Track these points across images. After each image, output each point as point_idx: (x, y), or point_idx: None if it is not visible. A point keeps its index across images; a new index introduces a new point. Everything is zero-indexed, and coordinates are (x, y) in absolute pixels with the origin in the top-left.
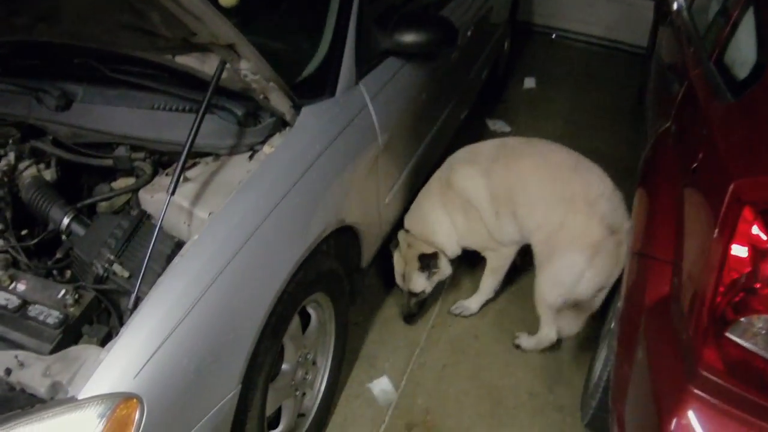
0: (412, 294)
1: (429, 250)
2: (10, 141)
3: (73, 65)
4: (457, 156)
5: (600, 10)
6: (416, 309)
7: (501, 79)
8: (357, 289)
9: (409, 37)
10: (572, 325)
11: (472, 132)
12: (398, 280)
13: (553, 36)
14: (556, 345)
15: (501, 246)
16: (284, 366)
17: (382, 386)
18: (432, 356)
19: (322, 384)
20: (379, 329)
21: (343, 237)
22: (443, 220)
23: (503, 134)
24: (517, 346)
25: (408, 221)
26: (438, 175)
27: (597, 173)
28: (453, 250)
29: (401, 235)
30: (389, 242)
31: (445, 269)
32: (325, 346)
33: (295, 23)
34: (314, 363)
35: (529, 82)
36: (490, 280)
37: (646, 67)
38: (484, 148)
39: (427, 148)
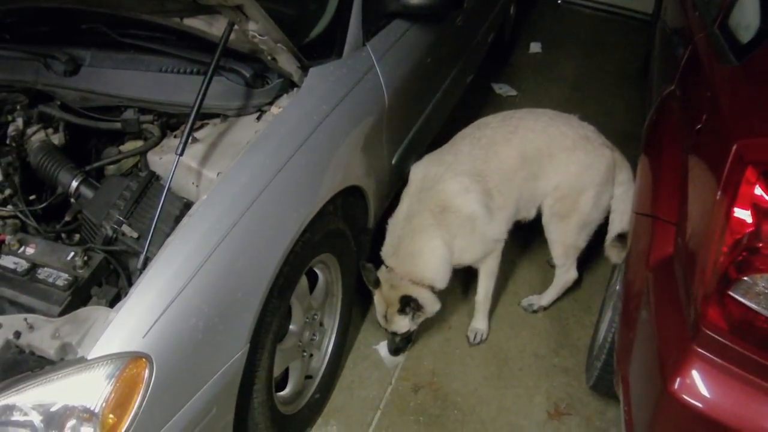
0: (395, 334)
1: (414, 290)
2: (18, 106)
3: (81, 30)
4: (430, 173)
5: None
6: (403, 344)
7: (507, 44)
8: (364, 250)
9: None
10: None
11: (479, 96)
12: (380, 320)
13: (559, 1)
14: (561, 308)
15: (498, 243)
16: (292, 326)
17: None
18: (438, 318)
19: (329, 345)
20: None
21: (350, 197)
22: (440, 250)
23: (509, 98)
24: (534, 311)
25: (391, 259)
26: (419, 207)
27: (574, 118)
28: (445, 280)
29: (383, 274)
30: (397, 199)
31: (432, 306)
32: (333, 306)
33: None
34: (321, 324)
35: (535, 47)
36: (489, 286)
37: (651, 34)
38: (447, 152)
39: (433, 110)
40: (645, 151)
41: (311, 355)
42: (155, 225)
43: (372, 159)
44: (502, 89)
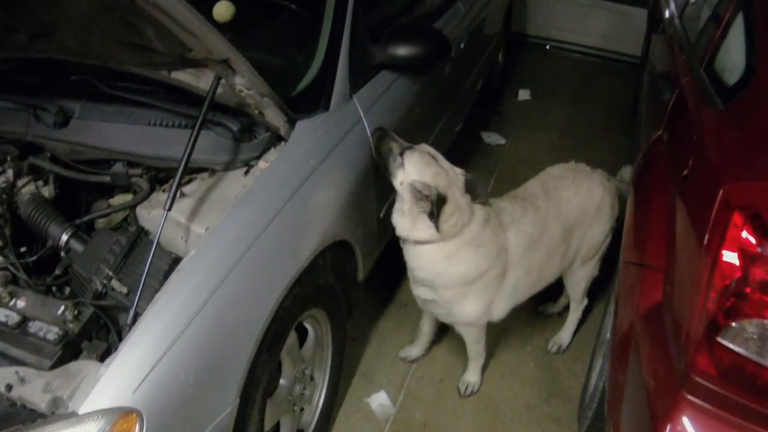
0: None
1: None
2: (9, 158)
3: (71, 82)
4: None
5: (594, 20)
6: None
7: (495, 91)
8: (354, 304)
9: (402, 50)
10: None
11: (467, 145)
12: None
13: (548, 47)
14: (552, 357)
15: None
16: (282, 381)
17: (380, 401)
18: (429, 370)
19: (320, 399)
20: (376, 343)
21: (339, 251)
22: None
23: (498, 146)
24: (563, 351)
25: None
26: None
27: (584, 166)
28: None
29: None
30: (385, 254)
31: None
32: (323, 361)
33: (289, 37)
34: (312, 378)
35: (524, 94)
36: (480, 348)
37: (640, 77)
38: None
39: None
40: (633, 197)
41: (302, 409)
42: (144, 280)
43: (360, 212)
44: (491, 138)
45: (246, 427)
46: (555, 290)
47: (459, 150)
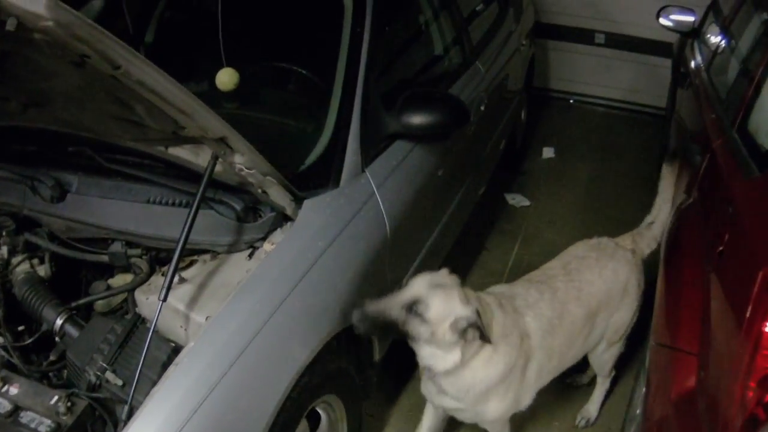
0: None
1: None
2: (4, 233)
3: (67, 153)
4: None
5: (617, 73)
6: None
7: (519, 150)
8: (370, 384)
9: (417, 119)
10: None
11: (490, 208)
12: None
13: (571, 101)
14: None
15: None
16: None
17: None
18: None
19: None
20: (396, 420)
21: (352, 333)
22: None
23: (523, 208)
24: (591, 424)
25: None
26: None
27: (607, 242)
28: None
29: None
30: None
31: None
32: None
33: (297, 105)
34: None
35: (548, 152)
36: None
37: (665, 131)
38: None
39: (442, 230)
40: (664, 271)
41: None
42: (141, 372)
43: (375, 292)
44: (515, 200)
45: None
46: (583, 359)
47: (482, 213)
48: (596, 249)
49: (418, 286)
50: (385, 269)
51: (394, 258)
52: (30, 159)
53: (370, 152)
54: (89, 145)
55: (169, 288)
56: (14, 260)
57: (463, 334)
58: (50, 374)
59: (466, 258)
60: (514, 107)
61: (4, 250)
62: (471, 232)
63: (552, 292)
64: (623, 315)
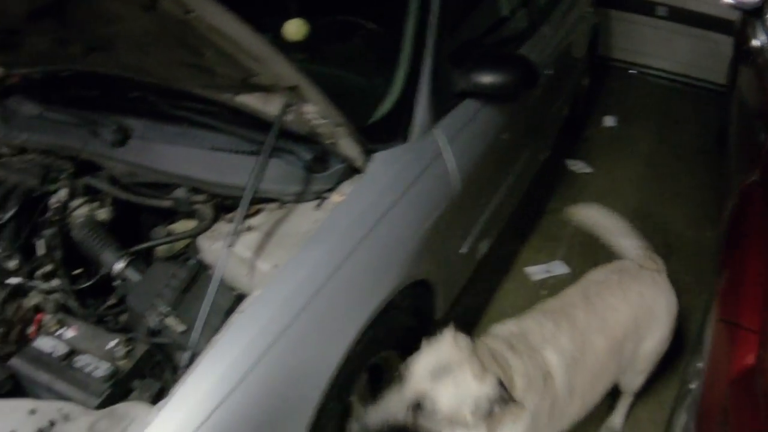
0: None
1: None
2: (64, 176)
3: (130, 98)
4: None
5: (678, 46)
6: None
7: (580, 117)
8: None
9: (487, 78)
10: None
11: (552, 173)
12: None
13: (632, 71)
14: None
15: None
16: (352, 424)
17: None
18: None
19: None
20: None
21: (417, 290)
22: None
23: (583, 175)
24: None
25: None
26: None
27: (637, 267)
28: None
29: None
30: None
31: None
32: None
33: (365, 59)
34: None
35: (609, 121)
36: None
37: (726, 108)
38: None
39: (506, 193)
40: (726, 249)
41: None
42: (203, 319)
43: (441, 249)
44: (576, 166)
45: None
46: None
47: (543, 178)
48: (618, 271)
49: (418, 377)
50: (452, 227)
51: (460, 217)
52: (91, 103)
53: (439, 109)
54: (152, 91)
55: (236, 235)
56: (73, 203)
57: (487, 414)
58: (107, 318)
59: (526, 221)
60: (578, 74)
61: (64, 192)
62: (532, 196)
63: (571, 323)
64: (653, 343)
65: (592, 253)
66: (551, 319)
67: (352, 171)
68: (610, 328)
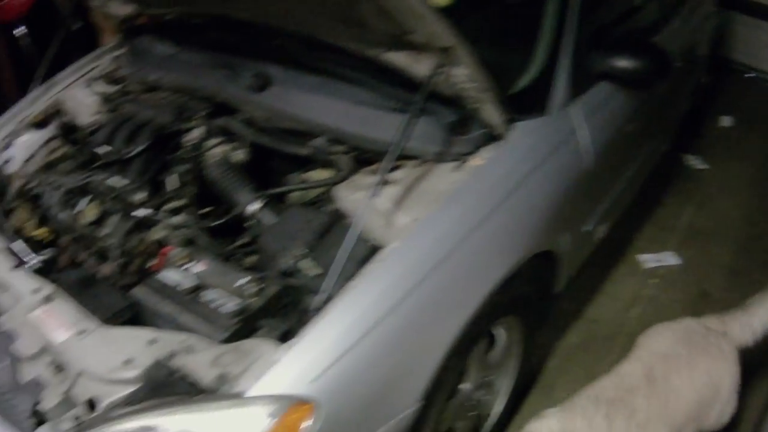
0: None
1: None
2: (199, 116)
3: (271, 46)
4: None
5: None
6: None
7: (698, 114)
8: (547, 314)
9: (624, 63)
10: None
11: (668, 166)
12: None
13: (750, 75)
14: None
15: None
16: (464, 386)
17: None
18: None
19: (497, 408)
20: (560, 357)
21: (541, 260)
22: None
23: (698, 171)
24: None
25: None
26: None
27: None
28: None
29: None
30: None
31: None
32: (508, 369)
33: (507, 30)
34: (492, 385)
35: (726, 120)
36: None
37: None
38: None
39: (629, 179)
40: None
41: (477, 416)
42: (340, 265)
43: (567, 223)
44: (692, 161)
45: (421, 430)
46: None
47: (660, 170)
48: (685, 342)
49: None
50: (579, 203)
51: (587, 195)
52: (230, 48)
53: (576, 87)
54: (294, 40)
55: (379, 186)
56: (208, 143)
57: None
58: (236, 257)
59: (640, 209)
60: (700, 71)
61: (200, 131)
62: (648, 186)
63: (628, 414)
64: (712, 424)
65: (704, 245)
66: (603, 411)
67: (491, 137)
68: (671, 416)
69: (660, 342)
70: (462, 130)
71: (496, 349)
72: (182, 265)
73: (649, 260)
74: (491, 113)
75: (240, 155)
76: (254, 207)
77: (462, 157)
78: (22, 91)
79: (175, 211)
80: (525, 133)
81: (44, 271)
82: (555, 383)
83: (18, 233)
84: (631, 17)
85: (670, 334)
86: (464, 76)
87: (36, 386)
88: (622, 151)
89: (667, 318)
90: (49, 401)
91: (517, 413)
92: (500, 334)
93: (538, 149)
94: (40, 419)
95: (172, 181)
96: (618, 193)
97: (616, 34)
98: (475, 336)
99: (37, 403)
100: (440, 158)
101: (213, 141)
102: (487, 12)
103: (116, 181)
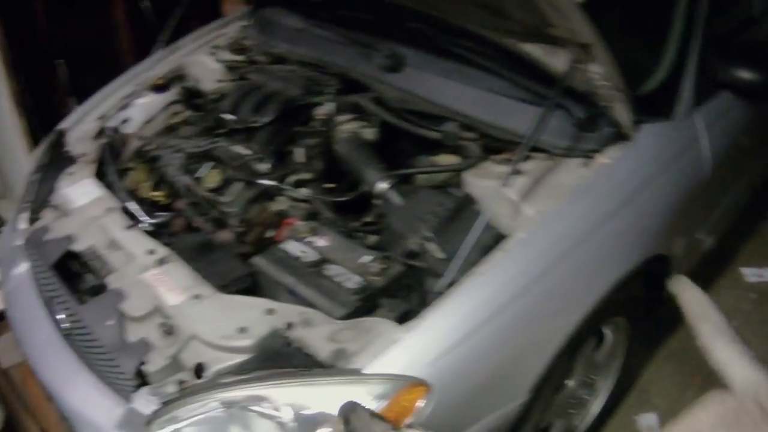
0: None
1: None
2: (330, 91)
3: (406, 28)
4: None
5: None
6: None
7: None
8: (654, 318)
9: (747, 74)
10: None
11: None
12: None
13: None
14: None
15: None
16: (568, 382)
17: (649, 422)
18: None
19: (595, 409)
20: (659, 361)
21: (653, 264)
22: None
23: None
24: None
25: None
26: None
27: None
28: None
29: None
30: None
31: None
32: (610, 370)
33: (634, 33)
34: (593, 385)
35: None
36: None
37: None
38: None
39: (739, 192)
40: None
41: (574, 414)
42: (466, 251)
43: (681, 230)
44: None
45: (524, 423)
46: None
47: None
48: (731, 426)
49: None
50: (695, 210)
51: (703, 203)
52: (363, 26)
53: (700, 94)
54: (430, 24)
55: (511, 175)
56: (339, 119)
57: None
58: (359, 235)
59: (746, 222)
60: None
61: (331, 106)
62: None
63: None
64: None
65: None
66: None
67: (618, 137)
68: None
69: (703, 417)
70: (591, 127)
71: (602, 349)
72: (305, 238)
73: (751, 274)
74: (621, 113)
75: (370, 133)
76: (383, 186)
77: (589, 154)
78: (139, 53)
79: (300, 184)
80: (651, 136)
81: (156, 234)
82: (650, 389)
83: (132, 194)
84: (749, 28)
85: (719, 410)
86: (599, 74)
87: (143, 347)
88: (737, 163)
89: (762, 335)
90: (154, 363)
91: (611, 416)
92: (608, 334)
93: (662, 153)
94: (141, 381)
95: (299, 154)
96: (729, 204)
97: (736, 45)
98: (587, 333)
99: (141, 364)
100: (568, 153)
101: (343, 117)
102: (613, 10)
103: (241, 149)
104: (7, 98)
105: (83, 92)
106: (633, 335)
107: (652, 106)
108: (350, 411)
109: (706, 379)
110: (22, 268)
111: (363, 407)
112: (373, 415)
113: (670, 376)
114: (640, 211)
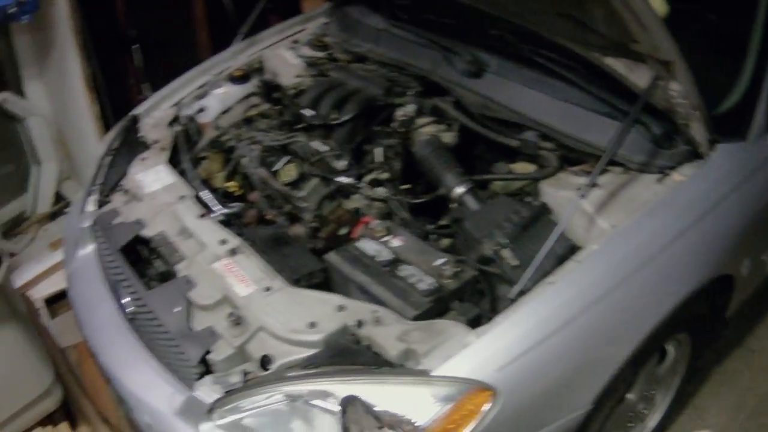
0: None
1: None
2: (411, 93)
3: (489, 35)
4: None
5: None
6: None
7: None
8: (715, 337)
9: None
10: None
11: None
12: None
13: None
14: None
15: None
16: (629, 395)
17: None
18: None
19: (651, 423)
20: (716, 381)
21: (719, 283)
22: None
23: None
24: None
25: None
26: None
27: None
28: None
29: None
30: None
31: None
32: (669, 386)
33: (708, 50)
34: (652, 400)
35: None
36: None
37: None
38: None
39: None
40: None
41: (632, 428)
42: (541, 259)
43: (749, 251)
44: None
45: None
46: None
47: None
48: None
49: None
50: (761, 233)
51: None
52: (446, 30)
53: None
54: (513, 32)
55: (589, 187)
56: (419, 121)
57: None
58: (432, 237)
59: None
60: None
61: (411, 108)
62: None
63: None
64: None
65: None
66: None
67: (694, 155)
68: None
69: None
70: (667, 144)
71: (664, 364)
72: (380, 237)
73: None
74: (698, 131)
75: (449, 137)
76: (460, 190)
77: (664, 170)
78: (215, 43)
79: (376, 183)
80: (725, 156)
81: (228, 224)
82: (707, 407)
83: (205, 183)
84: None
85: None
86: (678, 91)
87: (209, 336)
88: None
89: None
90: (220, 352)
91: (666, 428)
92: (670, 350)
93: (735, 173)
94: (205, 369)
95: (377, 154)
96: None
97: None
98: (651, 348)
99: (207, 353)
100: (644, 168)
101: (423, 119)
102: (689, 28)
103: (319, 146)
104: (80, 80)
105: (158, 81)
106: (694, 353)
107: (727, 127)
108: (348, 403)
109: (761, 401)
110: (88, 249)
111: (362, 402)
112: (369, 412)
113: (726, 396)
114: (710, 230)
